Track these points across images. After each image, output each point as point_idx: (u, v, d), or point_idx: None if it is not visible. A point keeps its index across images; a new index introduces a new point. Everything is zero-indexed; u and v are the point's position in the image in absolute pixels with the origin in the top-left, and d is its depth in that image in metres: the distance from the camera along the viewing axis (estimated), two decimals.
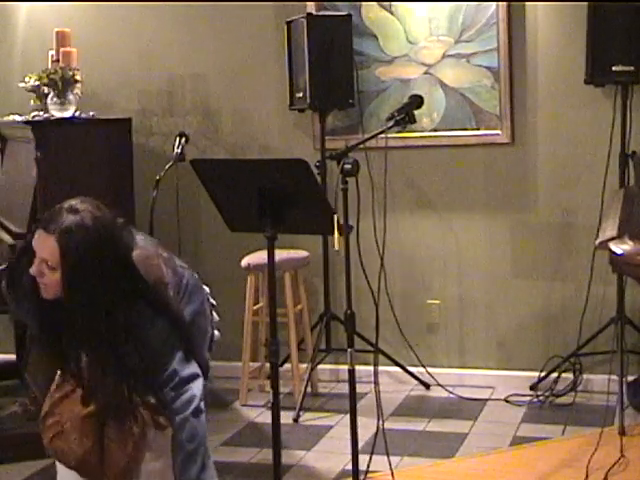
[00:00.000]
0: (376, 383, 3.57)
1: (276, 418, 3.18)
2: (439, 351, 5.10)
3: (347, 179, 3.37)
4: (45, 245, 2.67)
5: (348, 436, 3.47)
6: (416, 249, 5.08)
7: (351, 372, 3.41)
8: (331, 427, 4.56)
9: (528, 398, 4.77)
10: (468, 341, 5.07)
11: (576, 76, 4.59)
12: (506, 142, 4.87)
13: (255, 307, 4.91)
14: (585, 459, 3.80)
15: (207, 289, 3.15)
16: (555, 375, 4.77)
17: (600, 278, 4.63)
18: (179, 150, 4.72)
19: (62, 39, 4.84)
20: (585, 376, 4.76)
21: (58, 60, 4.78)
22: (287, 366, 4.89)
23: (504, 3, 4.77)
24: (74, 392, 2.84)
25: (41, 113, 4.72)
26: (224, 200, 3.24)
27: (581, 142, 4.78)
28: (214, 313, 3.18)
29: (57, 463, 2.93)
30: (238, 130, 5.30)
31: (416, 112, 3.67)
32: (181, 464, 2.75)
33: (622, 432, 4.11)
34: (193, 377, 2.79)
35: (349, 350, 3.41)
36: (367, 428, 4.00)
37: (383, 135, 3.62)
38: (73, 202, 2.71)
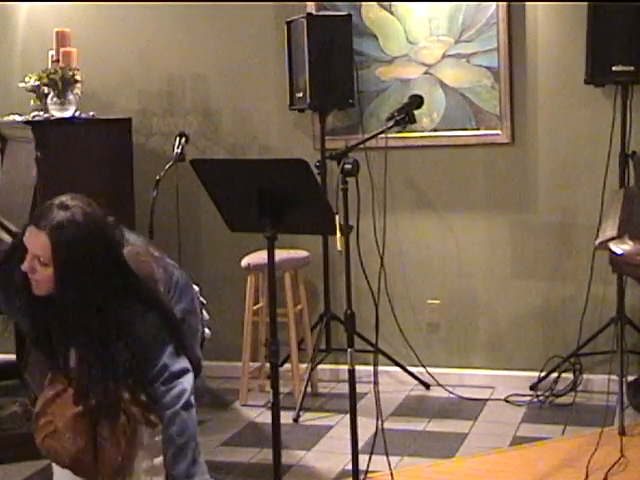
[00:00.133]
0: (376, 383, 3.57)
1: (276, 418, 3.18)
2: (439, 351, 5.10)
3: (347, 179, 3.36)
4: (37, 241, 2.68)
5: (348, 436, 3.46)
6: (416, 249, 5.07)
7: (351, 372, 3.41)
8: (331, 427, 4.55)
9: (528, 398, 4.76)
10: (468, 341, 5.07)
11: (576, 76, 4.59)
12: (506, 142, 4.86)
13: (255, 307, 4.91)
14: (585, 459, 3.79)
15: (197, 288, 3.15)
16: (555, 375, 4.77)
17: (600, 278, 4.62)
18: (179, 150, 4.71)
19: (62, 39, 4.84)
20: (585, 376, 4.76)
21: (58, 60, 4.77)
22: (287, 366, 4.89)
23: (504, 3, 4.77)
24: (66, 391, 2.83)
25: (41, 113, 4.72)
26: (224, 200, 3.24)
27: (581, 142, 4.78)
28: (204, 312, 3.19)
29: (53, 463, 2.92)
30: (238, 130, 5.30)
31: (416, 112, 3.68)
32: (171, 458, 2.74)
33: (622, 432, 4.11)
34: (183, 371, 2.79)
35: (349, 350, 3.41)
36: (367, 428, 3.99)
37: (383, 135, 3.62)
38: (64, 198, 2.72)
